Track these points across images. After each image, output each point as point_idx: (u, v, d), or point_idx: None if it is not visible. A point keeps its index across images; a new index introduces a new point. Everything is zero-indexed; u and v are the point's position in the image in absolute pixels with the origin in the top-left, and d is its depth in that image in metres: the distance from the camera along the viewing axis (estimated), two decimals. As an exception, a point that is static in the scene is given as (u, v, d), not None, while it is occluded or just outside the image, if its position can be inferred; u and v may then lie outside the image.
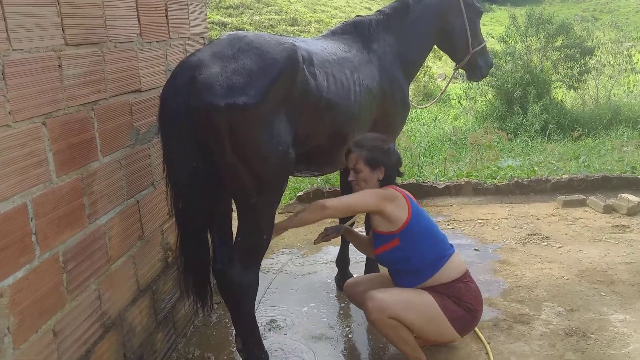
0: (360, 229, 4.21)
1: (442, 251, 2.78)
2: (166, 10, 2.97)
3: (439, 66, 23.20)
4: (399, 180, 5.91)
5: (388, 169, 2.81)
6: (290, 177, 3.05)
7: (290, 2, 26.92)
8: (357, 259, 4.17)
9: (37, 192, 1.93)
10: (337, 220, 3.99)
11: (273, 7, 25.12)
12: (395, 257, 2.80)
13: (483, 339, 3.14)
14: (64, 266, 2.09)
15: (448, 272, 2.75)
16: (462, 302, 2.74)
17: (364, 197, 2.74)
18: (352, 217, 3.55)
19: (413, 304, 2.70)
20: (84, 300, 2.23)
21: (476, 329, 3.17)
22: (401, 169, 2.93)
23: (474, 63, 3.88)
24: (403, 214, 2.71)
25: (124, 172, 2.55)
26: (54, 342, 2.03)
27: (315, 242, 3.09)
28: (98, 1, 2.31)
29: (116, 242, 2.49)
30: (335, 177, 5.80)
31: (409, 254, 2.75)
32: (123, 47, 2.53)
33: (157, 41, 2.88)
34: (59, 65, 2.05)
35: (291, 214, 4.86)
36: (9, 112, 1.79)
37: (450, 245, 2.89)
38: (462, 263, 2.84)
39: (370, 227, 3.01)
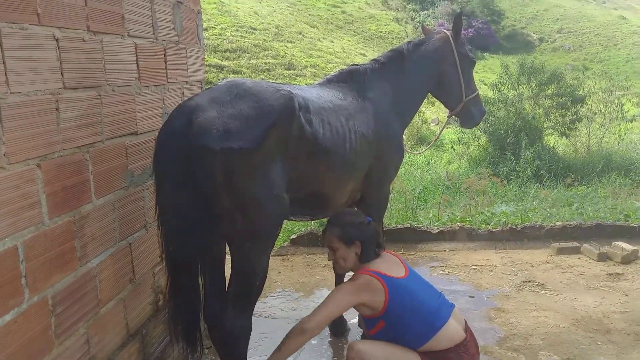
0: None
1: (431, 325, 2.65)
2: (165, 55, 3.02)
3: (432, 111, 23.52)
4: (393, 224, 5.90)
5: (364, 243, 2.76)
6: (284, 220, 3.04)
7: (287, 47, 27.42)
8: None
9: (28, 235, 1.92)
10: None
11: (270, 52, 25.57)
12: (386, 337, 2.72)
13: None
14: (53, 309, 2.06)
15: (439, 342, 2.64)
16: None
17: (339, 301, 2.66)
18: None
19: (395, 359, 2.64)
20: (72, 344, 2.19)
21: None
22: (380, 241, 2.85)
23: (467, 111, 3.94)
24: (379, 298, 2.63)
25: (116, 214, 2.54)
26: (39, 389, 1.98)
27: None
28: (98, 46, 2.35)
29: (107, 285, 2.46)
30: (329, 220, 5.79)
31: (397, 332, 2.67)
32: (121, 90, 2.56)
33: (155, 85, 2.91)
34: (56, 109, 2.07)
35: (285, 257, 4.82)
36: (4, 154, 1.79)
37: (451, 305, 2.78)
38: (456, 333, 2.69)
39: None
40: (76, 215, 2.21)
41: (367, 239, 2.77)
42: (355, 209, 2.96)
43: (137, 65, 2.70)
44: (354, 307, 2.74)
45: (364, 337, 3.43)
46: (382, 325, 2.67)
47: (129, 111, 2.64)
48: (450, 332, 2.67)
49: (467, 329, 2.77)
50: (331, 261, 2.87)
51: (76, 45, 2.18)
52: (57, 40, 2.05)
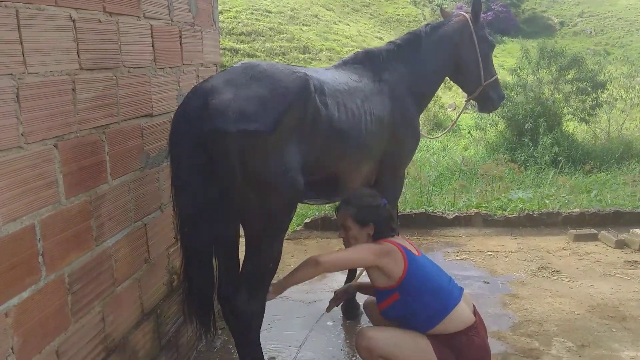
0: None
1: (445, 303, 2.65)
2: (180, 37, 3.01)
3: (449, 96, 23.29)
4: (408, 209, 5.88)
5: (378, 225, 2.76)
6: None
7: (302, 31, 27.25)
8: (364, 288, 4.14)
9: (45, 214, 1.94)
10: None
11: (285, 35, 25.42)
12: (397, 313, 2.71)
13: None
14: (70, 287, 2.09)
15: (450, 324, 2.63)
16: (462, 356, 2.61)
17: (359, 253, 2.69)
18: (356, 271, 3.55)
19: (406, 346, 2.62)
20: (88, 322, 2.22)
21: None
22: (394, 226, 2.85)
23: (485, 95, 3.89)
24: (399, 267, 2.63)
25: (132, 195, 2.56)
26: (56, 365, 2.02)
27: (328, 309, 3.07)
28: (114, 27, 2.35)
29: (122, 264, 2.49)
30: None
31: (409, 308, 2.65)
32: (136, 72, 2.57)
33: (170, 67, 2.92)
34: (73, 89, 2.08)
35: (299, 240, 4.85)
36: (22, 134, 1.81)
37: (460, 289, 2.77)
38: (467, 315, 2.68)
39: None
40: (92, 195, 2.23)
41: (382, 222, 2.76)
42: (374, 190, 2.95)
43: (153, 46, 2.70)
44: (370, 275, 2.75)
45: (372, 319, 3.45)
46: (396, 297, 2.65)
47: (144, 93, 2.65)
48: (461, 315, 2.66)
49: (475, 312, 2.77)
50: (342, 239, 2.86)
51: (92, 26, 2.18)
52: (73, 21, 2.05)
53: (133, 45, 2.51)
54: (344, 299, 3.14)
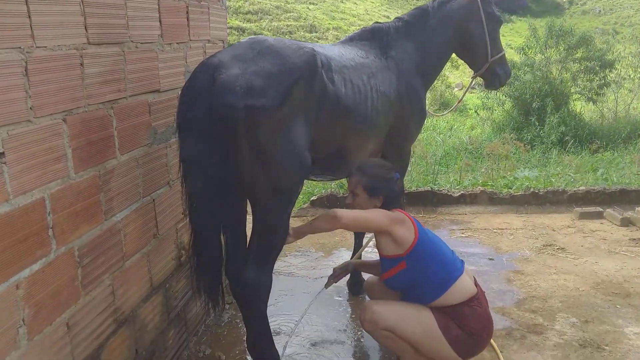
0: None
1: (449, 274, 2.67)
2: (187, 12, 3.00)
3: (456, 75, 23.14)
4: (414, 187, 5.89)
5: (387, 198, 2.75)
6: (304, 180, 3.05)
7: (309, 9, 27.04)
8: (370, 265, 4.17)
9: (55, 187, 1.96)
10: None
11: (292, 14, 25.25)
12: (402, 283, 2.73)
13: (496, 347, 3.12)
14: (80, 261, 2.12)
15: (454, 295, 2.64)
16: (466, 326, 2.63)
17: (377, 216, 2.69)
18: (358, 250, 3.61)
19: (409, 319, 2.64)
20: (98, 295, 2.26)
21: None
22: (402, 201, 2.85)
23: (492, 72, 3.87)
24: (410, 235, 2.65)
25: (140, 170, 2.58)
26: (67, 335, 2.05)
27: (327, 286, 3.08)
28: (121, 2, 2.35)
29: (131, 239, 2.52)
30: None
31: (415, 277, 2.67)
32: (144, 47, 2.56)
33: (177, 43, 2.91)
34: (81, 64, 2.08)
35: (305, 218, 4.86)
36: (30, 108, 1.82)
37: (461, 261, 2.79)
38: (470, 286, 2.70)
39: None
40: (101, 170, 2.25)
41: (391, 196, 2.76)
42: (389, 163, 2.93)
43: (160, 22, 2.70)
44: (379, 243, 2.73)
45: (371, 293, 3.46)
46: (402, 266, 2.66)
47: (151, 68, 2.65)
48: (464, 286, 2.68)
49: (476, 284, 2.78)
50: (349, 203, 2.84)
51: (100, 0, 2.18)
52: (80, -5, 2.05)
53: (140, 20, 2.50)
54: (343, 276, 3.16)
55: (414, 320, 2.64)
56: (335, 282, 3.12)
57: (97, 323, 2.26)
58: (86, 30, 2.11)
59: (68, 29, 2.00)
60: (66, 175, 2.02)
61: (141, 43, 2.53)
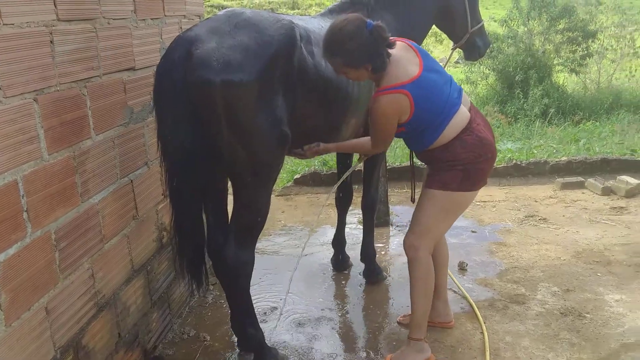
0: (356, 212, 4.23)
1: (447, 112, 2.58)
2: (161, -13, 2.93)
3: (440, 50, 23.03)
4: (398, 163, 5.86)
5: (372, 60, 2.47)
6: (287, 158, 3.01)
7: (291, -15, 26.65)
8: (354, 241, 4.18)
9: (28, 169, 1.92)
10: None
11: (273, -10, 24.88)
12: (401, 135, 2.75)
13: (480, 318, 3.15)
14: (56, 244, 2.08)
15: (450, 132, 2.59)
16: (457, 162, 2.62)
17: (385, 125, 2.59)
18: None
19: (430, 225, 2.75)
20: (77, 278, 2.23)
21: (475, 307, 3.20)
22: (388, 43, 2.50)
23: (472, 43, 3.83)
24: (407, 109, 2.51)
25: (117, 151, 2.54)
26: (46, 320, 2.03)
27: (294, 154, 2.92)
28: (90, -23, 2.28)
29: (110, 221, 2.48)
30: (332, 158, 5.78)
31: (414, 132, 2.65)
32: (117, 24, 2.50)
33: (151, 19, 2.85)
34: (51, 41, 2.03)
35: (289, 197, 4.83)
36: (0, 88, 1.77)
37: (459, 90, 2.69)
38: (464, 117, 2.62)
39: None
40: (76, 150, 2.20)
41: (374, 54, 2.47)
42: (354, 14, 2.57)
43: (132, -3, 2.63)
44: None
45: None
46: (401, 129, 2.64)
47: (125, 45, 2.59)
48: (459, 119, 2.62)
49: (471, 108, 2.72)
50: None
51: (67, -25, 2.11)
52: (47, -31, 1.99)
53: (111, -5, 2.44)
54: (310, 154, 2.92)
55: (433, 219, 2.75)
56: (300, 158, 2.95)
57: (77, 307, 2.24)
58: (55, 6, 2.05)
59: (36, 6, 1.95)
60: (39, 156, 1.98)
61: (114, 19, 2.47)
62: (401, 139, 2.91)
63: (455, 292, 3.50)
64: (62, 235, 2.12)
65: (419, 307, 2.79)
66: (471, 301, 3.35)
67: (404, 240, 2.83)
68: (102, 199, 2.41)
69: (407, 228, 2.86)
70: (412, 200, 3.14)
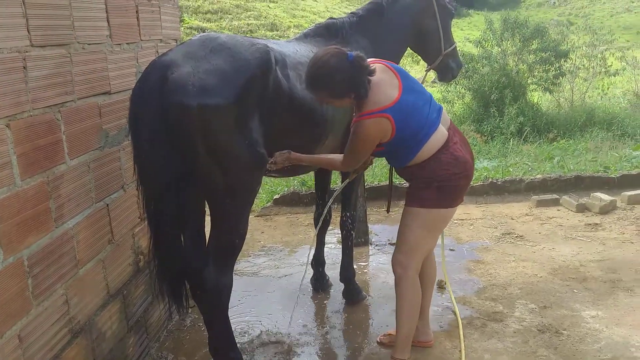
0: (335, 232, 4.23)
1: (426, 131, 2.63)
2: (137, 12, 2.94)
3: (417, 70, 23.34)
4: (376, 182, 5.87)
5: (355, 91, 2.53)
6: (265, 178, 3.02)
7: (269, 7, 26.89)
8: (333, 260, 4.18)
9: (0, 196, 1.89)
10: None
11: (252, 12, 25.05)
12: (380, 154, 2.83)
13: (461, 336, 3.16)
14: (29, 270, 2.06)
15: (426, 151, 2.64)
16: (433, 180, 2.66)
17: (363, 147, 2.64)
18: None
19: (415, 242, 2.79)
20: (51, 305, 2.20)
21: (460, 327, 3.23)
22: (369, 72, 2.54)
23: (445, 64, 3.91)
24: (388, 132, 2.57)
25: (92, 175, 2.52)
26: (19, 348, 2.00)
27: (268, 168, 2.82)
28: (65, 2, 2.28)
29: (84, 246, 2.46)
30: (310, 179, 5.79)
31: (391, 152, 2.73)
32: (92, 48, 2.50)
33: (127, 43, 2.85)
34: (24, 67, 2.02)
35: (268, 217, 4.83)
36: (-29, 114, 1.76)
37: (439, 108, 2.73)
38: (438, 140, 2.65)
39: None
40: (50, 175, 2.18)
41: (359, 84, 2.52)
42: (333, 47, 2.61)
43: (108, 21, 2.63)
44: None
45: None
46: (380, 148, 2.68)
47: (101, 70, 2.59)
48: (436, 139, 2.66)
49: (450, 127, 2.76)
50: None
51: (42, 1, 2.11)
52: (20, -4, 1.99)
53: (87, 20, 2.44)
54: (281, 164, 2.84)
55: (416, 237, 2.78)
56: (274, 168, 2.81)
57: (51, 334, 2.20)
58: (29, 32, 2.05)
59: (9, 32, 1.94)
60: (12, 182, 1.96)
61: (88, 44, 2.47)
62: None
63: (437, 308, 3.51)
64: (35, 261, 2.09)
65: (404, 327, 2.80)
66: (459, 320, 3.35)
67: (392, 259, 2.85)
68: (76, 223, 2.39)
69: (386, 247, 2.88)
70: (388, 211, 3.29)
